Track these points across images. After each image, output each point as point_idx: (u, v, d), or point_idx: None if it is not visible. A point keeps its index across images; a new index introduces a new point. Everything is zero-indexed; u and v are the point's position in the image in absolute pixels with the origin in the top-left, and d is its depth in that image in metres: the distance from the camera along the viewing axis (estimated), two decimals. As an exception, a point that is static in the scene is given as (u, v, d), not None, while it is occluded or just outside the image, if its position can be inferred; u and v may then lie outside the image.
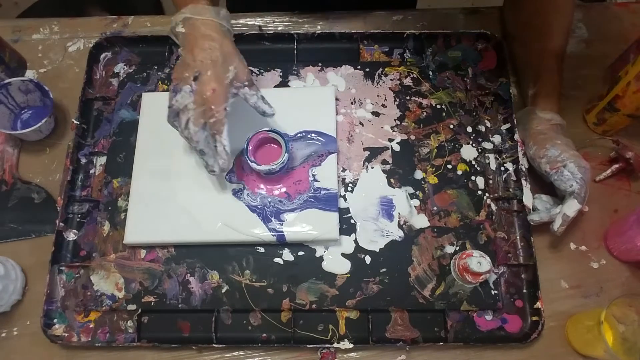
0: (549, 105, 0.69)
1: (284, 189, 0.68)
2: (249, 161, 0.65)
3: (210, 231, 0.66)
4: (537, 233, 0.68)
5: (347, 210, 0.69)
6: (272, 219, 0.67)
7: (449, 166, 0.72)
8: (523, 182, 0.69)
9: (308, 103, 0.73)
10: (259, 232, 0.66)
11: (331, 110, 0.72)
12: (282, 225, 0.66)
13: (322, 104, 0.73)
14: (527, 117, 0.69)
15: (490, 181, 0.71)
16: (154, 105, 0.73)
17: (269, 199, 0.68)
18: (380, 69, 0.77)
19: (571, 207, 0.63)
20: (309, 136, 0.71)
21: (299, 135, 0.71)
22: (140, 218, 0.67)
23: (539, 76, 0.70)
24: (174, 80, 0.60)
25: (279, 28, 0.83)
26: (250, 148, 0.66)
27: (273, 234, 0.66)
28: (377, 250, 0.67)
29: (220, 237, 0.66)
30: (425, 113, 0.75)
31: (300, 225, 0.66)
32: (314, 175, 0.69)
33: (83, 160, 0.73)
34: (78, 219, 0.70)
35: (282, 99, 0.72)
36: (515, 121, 0.72)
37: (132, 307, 0.65)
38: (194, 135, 0.59)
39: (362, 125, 0.74)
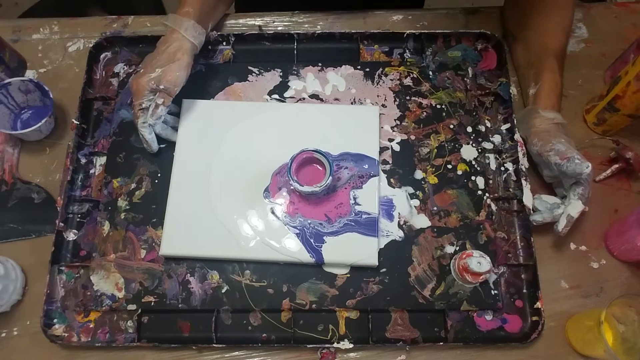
0: (551, 104, 0.69)
1: (324, 212, 0.67)
2: (291, 180, 0.63)
3: (246, 248, 0.66)
4: (537, 233, 0.68)
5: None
6: (312, 241, 0.66)
7: (449, 166, 0.72)
8: (523, 182, 0.69)
9: (351, 122, 0.71)
10: (297, 252, 0.65)
11: (374, 132, 0.71)
12: (321, 247, 0.65)
13: (365, 124, 0.71)
14: (529, 116, 0.69)
15: (490, 181, 0.72)
16: (193, 112, 0.73)
17: (309, 221, 0.67)
18: (380, 69, 0.77)
19: (575, 208, 0.63)
20: (351, 158, 0.70)
21: (341, 157, 0.70)
22: (177, 230, 0.66)
23: (540, 75, 0.70)
24: None
25: (279, 28, 0.83)
26: (294, 167, 0.64)
27: (311, 255, 0.65)
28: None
29: (256, 254, 0.66)
30: (425, 113, 0.75)
31: (340, 249, 0.65)
32: (355, 198, 0.68)
33: (83, 160, 0.73)
34: (78, 219, 0.70)
35: (325, 116, 0.72)
36: (515, 121, 0.72)
37: (132, 307, 0.65)
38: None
39: (362, 125, 0.74)
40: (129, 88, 0.68)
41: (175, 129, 0.72)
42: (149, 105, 0.67)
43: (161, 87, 0.66)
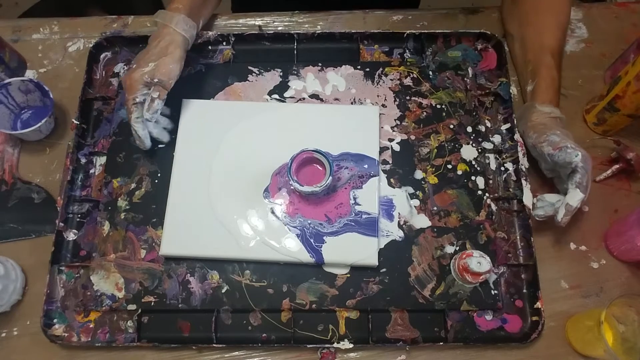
0: (548, 98, 0.69)
1: (324, 212, 0.67)
2: (291, 180, 0.63)
3: (246, 248, 0.66)
4: (537, 233, 0.68)
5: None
6: (312, 241, 0.66)
7: (449, 166, 0.72)
8: (523, 182, 0.69)
9: (351, 122, 0.71)
10: (297, 252, 0.65)
11: (374, 132, 0.71)
12: (321, 247, 0.65)
13: (365, 124, 0.71)
14: (527, 112, 0.69)
15: (490, 181, 0.72)
16: (193, 112, 0.73)
17: (309, 221, 0.66)
18: (380, 69, 0.77)
19: (574, 197, 0.62)
20: (351, 158, 0.70)
21: (341, 157, 0.70)
22: (177, 230, 0.66)
23: (536, 72, 0.70)
24: None
25: (279, 28, 0.83)
26: (294, 167, 0.64)
27: (311, 255, 0.65)
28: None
29: (256, 254, 0.66)
30: (425, 113, 0.75)
31: (340, 249, 0.65)
32: (355, 198, 0.68)
33: (83, 160, 0.73)
34: (78, 219, 0.70)
35: (325, 116, 0.72)
36: (515, 121, 0.72)
37: (132, 307, 0.65)
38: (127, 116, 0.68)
39: (362, 125, 0.74)
40: (123, 84, 0.68)
41: (166, 130, 0.72)
42: (144, 100, 0.67)
43: (155, 80, 0.66)
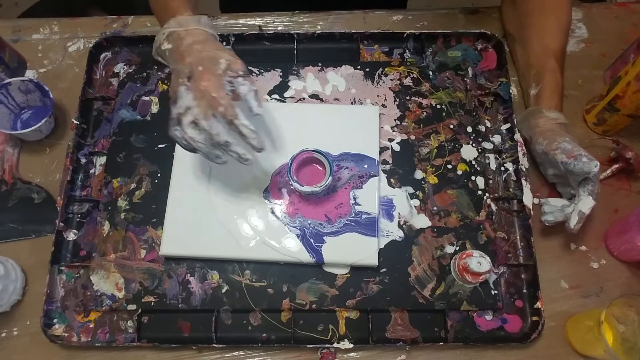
0: (554, 104, 0.69)
1: (324, 212, 0.67)
2: (291, 181, 0.63)
3: (246, 248, 0.66)
4: (537, 233, 0.68)
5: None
6: (312, 241, 0.66)
7: (449, 166, 0.72)
8: (523, 182, 0.69)
9: (351, 122, 0.72)
10: (297, 252, 0.65)
11: (374, 132, 0.71)
12: (321, 247, 0.65)
13: (365, 124, 0.71)
14: (532, 116, 0.69)
15: (490, 181, 0.72)
16: None
17: (309, 221, 0.66)
18: (380, 69, 0.77)
19: (586, 204, 0.62)
20: (351, 158, 0.70)
21: (341, 157, 0.70)
22: (177, 230, 0.66)
23: (541, 76, 0.70)
24: (170, 94, 0.59)
25: (279, 28, 0.83)
26: (294, 167, 0.64)
27: (311, 255, 0.65)
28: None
29: (256, 254, 0.66)
30: (425, 113, 0.75)
31: (340, 249, 0.65)
32: (355, 198, 0.68)
33: (83, 160, 0.73)
34: (78, 219, 0.70)
35: (325, 116, 0.72)
36: (515, 121, 0.72)
37: (132, 307, 0.65)
38: (211, 129, 0.56)
39: (362, 125, 0.74)
40: (195, 89, 0.57)
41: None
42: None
43: (240, 72, 0.58)
